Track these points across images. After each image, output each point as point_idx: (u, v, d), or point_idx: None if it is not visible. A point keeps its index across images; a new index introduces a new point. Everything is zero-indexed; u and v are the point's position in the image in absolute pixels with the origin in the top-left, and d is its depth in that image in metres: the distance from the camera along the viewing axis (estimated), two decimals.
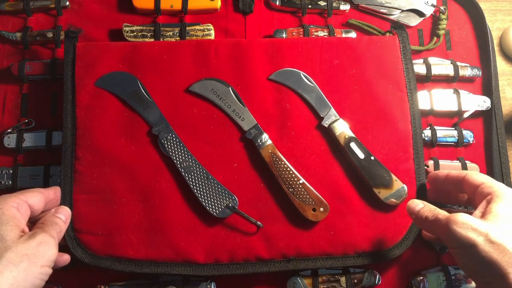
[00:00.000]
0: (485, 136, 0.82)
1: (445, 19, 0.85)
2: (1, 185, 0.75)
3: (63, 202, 0.69)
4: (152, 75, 0.74)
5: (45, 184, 0.75)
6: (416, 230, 0.71)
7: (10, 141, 0.76)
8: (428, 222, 0.62)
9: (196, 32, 0.81)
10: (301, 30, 0.82)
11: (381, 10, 0.85)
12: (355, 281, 0.72)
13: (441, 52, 0.85)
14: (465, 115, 0.80)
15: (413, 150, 0.74)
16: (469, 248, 0.55)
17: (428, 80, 0.82)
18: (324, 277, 0.72)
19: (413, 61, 0.78)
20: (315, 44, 0.77)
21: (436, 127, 0.80)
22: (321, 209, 0.70)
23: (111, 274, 0.71)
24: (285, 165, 0.70)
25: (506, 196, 0.59)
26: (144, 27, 0.81)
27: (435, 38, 0.85)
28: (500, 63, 0.90)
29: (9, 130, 0.77)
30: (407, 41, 0.78)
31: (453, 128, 0.80)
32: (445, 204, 0.73)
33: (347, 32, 0.83)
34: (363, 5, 0.85)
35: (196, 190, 0.69)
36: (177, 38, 0.81)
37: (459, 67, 0.82)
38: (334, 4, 0.85)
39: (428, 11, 0.86)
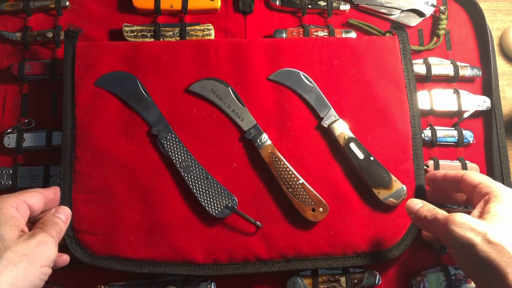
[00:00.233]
0: (485, 136, 0.82)
1: (445, 19, 0.85)
2: (1, 185, 0.75)
3: (63, 201, 0.69)
4: (152, 75, 0.74)
5: (45, 184, 0.75)
6: (416, 230, 0.71)
7: (10, 141, 0.76)
8: (426, 222, 0.62)
9: (196, 32, 0.81)
10: (301, 30, 0.82)
11: (381, 10, 0.85)
12: (355, 281, 0.72)
13: (441, 52, 0.85)
14: (465, 115, 0.80)
15: (412, 150, 0.74)
16: (467, 248, 0.55)
17: (428, 80, 0.82)
18: (324, 277, 0.72)
19: (413, 61, 0.78)
20: (315, 44, 0.77)
21: (436, 127, 0.80)
22: (321, 209, 0.70)
23: (110, 274, 0.71)
24: (285, 165, 0.70)
25: (504, 195, 0.59)
26: (144, 27, 0.81)
27: (435, 38, 0.85)
28: (500, 63, 0.90)
29: (9, 130, 0.77)
30: (407, 41, 0.78)
31: (453, 128, 0.80)
32: (444, 204, 0.73)
33: (347, 32, 0.83)
34: (363, 5, 0.85)
35: (196, 190, 0.69)
36: (177, 38, 0.81)
37: (459, 67, 0.82)
38: (334, 4, 0.85)
39: (428, 11, 0.86)
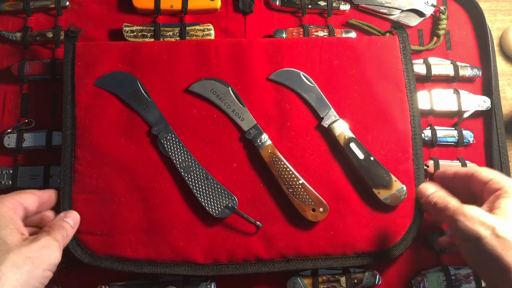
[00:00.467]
0: (485, 136, 0.82)
1: (445, 19, 0.85)
2: (1, 185, 0.75)
3: (63, 202, 0.69)
4: (152, 75, 0.74)
5: (45, 184, 0.75)
6: (416, 230, 0.71)
7: (10, 141, 0.76)
8: (436, 208, 0.62)
9: (196, 32, 0.81)
10: (301, 30, 0.82)
11: (381, 10, 0.85)
12: (355, 281, 0.72)
13: (441, 52, 0.85)
14: (465, 115, 0.80)
15: (412, 150, 0.74)
16: (474, 241, 0.55)
17: (428, 80, 0.82)
18: (324, 277, 0.72)
19: (413, 61, 0.78)
20: (315, 44, 0.77)
21: (436, 127, 0.80)
22: (321, 209, 0.70)
23: (111, 274, 0.71)
24: (285, 165, 0.70)
25: None
26: (144, 27, 0.81)
27: (435, 38, 0.85)
28: (500, 63, 0.90)
29: (9, 130, 0.77)
30: (407, 41, 0.78)
31: (453, 128, 0.80)
32: None
33: (347, 32, 0.83)
34: (363, 5, 0.85)
35: (196, 190, 0.69)
36: (177, 38, 0.81)
37: (459, 67, 0.82)
38: (334, 4, 0.85)
39: (428, 11, 0.86)
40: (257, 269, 0.70)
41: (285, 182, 0.70)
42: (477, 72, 0.83)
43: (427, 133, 0.79)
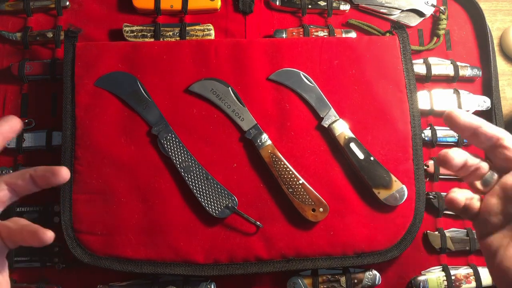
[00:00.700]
0: None
1: (445, 19, 0.85)
2: None
3: (63, 202, 0.69)
4: (152, 75, 0.74)
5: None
6: (416, 230, 0.71)
7: (10, 141, 0.76)
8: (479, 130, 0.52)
9: (196, 32, 0.81)
10: (301, 30, 0.82)
11: (381, 10, 0.85)
12: (355, 281, 0.72)
13: (441, 52, 0.85)
14: None
15: (412, 150, 0.73)
16: None
17: (428, 80, 0.82)
18: (324, 277, 0.72)
19: (413, 61, 0.78)
20: (315, 44, 0.77)
21: (436, 127, 0.80)
22: (321, 209, 0.70)
23: (111, 274, 0.71)
24: (285, 165, 0.70)
25: None
26: (144, 27, 0.81)
27: (435, 38, 0.85)
28: (500, 63, 0.90)
29: None
30: (407, 41, 0.78)
31: None
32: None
33: (347, 32, 0.83)
34: (363, 5, 0.85)
35: (196, 190, 0.69)
36: (177, 38, 0.81)
37: (459, 67, 0.82)
38: (334, 4, 0.85)
39: (428, 11, 0.86)
40: (257, 269, 0.70)
41: (285, 182, 0.70)
42: (477, 72, 0.83)
43: (427, 133, 0.79)
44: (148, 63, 0.75)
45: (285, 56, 0.76)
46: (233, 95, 0.74)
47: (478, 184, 0.54)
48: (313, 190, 0.70)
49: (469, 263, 0.76)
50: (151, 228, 0.69)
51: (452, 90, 0.82)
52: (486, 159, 0.55)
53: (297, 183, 0.70)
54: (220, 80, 0.74)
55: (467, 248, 0.75)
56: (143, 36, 0.80)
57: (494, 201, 0.52)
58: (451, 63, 0.83)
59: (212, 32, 0.81)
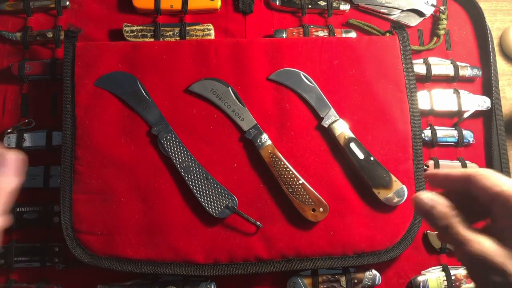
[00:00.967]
0: (485, 136, 0.82)
1: (445, 19, 0.85)
2: None
3: (63, 202, 0.69)
4: (152, 75, 0.74)
5: (45, 184, 0.75)
6: (416, 230, 0.71)
7: (10, 141, 0.76)
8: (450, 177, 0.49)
9: (196, 32, 0.81)
10: (301, 30, 0.82)
11: (381, 10, 0.85)
12: (355, 281, 0.72)
13: (441, 52, 0.85)
14: (465, 115, 0.80)
15: (412, 150, 0.73)
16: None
17: (428, 80, 0.82)
18: (324, 277, 0.72)
19: (413, 61, 0.78)
20: (315, 44, 0.77)
21: (436, 127, 0.80)
22: (321, 209, 0.70)
23: (111, 274, 0.71)
24: (285, 165, 0.70)
25: None
26: (144, 27, 0.81)
27: (435, 38, 0.85)
28: (500, 63, 0.90)
29: (9, 130, 0.77)
30: (407, 41, 0.78)
31: (453, 128, 0.80)
32: None
33: (347, 32, 0.83)
34: (363, 5, 0.85)
35: (196, 190, 0.69)
36: (177, 38, 0.81)
37: (459, 67, 0.82)
38: (334, 4, 0.85)
39: (428, 11, 0.86)
40: (257, 269, 0.70)
41: (285, 182, 0.70)
42: (477, 72, 0.83)
43: (427, 133, 0.79)
44: (148, 63, 0.75)
45: (285, 56, 0.76)
46: (233, 95, 0.73)
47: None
48: (313, 190, 0.70)
49: None
50: (151, 228, 0.69)
51: (452, 90, 0.82)
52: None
53: (297, 183, 0.70)
54: (220, 80, 0.74)
55: None
56: (143, 36, 0.80)
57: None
58: (451, 63, 0.83)
59: (212, 32, 0.81)
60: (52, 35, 0.80)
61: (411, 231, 0.71)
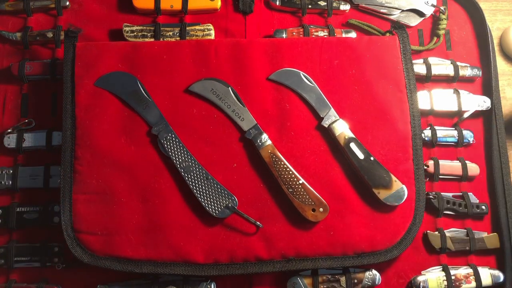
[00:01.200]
0: (485, 136, 0.82)
1: (445, 19, 0.85)
2: (1, 185, 0.75)
3: (63, 202, 0.69)
4: (152, 75, 0.74)
5: (45, 184, 0.75)
6: (416, 230, 0.71)
7: (10, 141, 0.76)
8: None
9: (196, 32, 0.81)
10: (301, 30, 0.82)
11: (381, 10, 0.85)
12: (355, 281, 0.72)
13: (441, 52, 0.85)
14: (465, 115, 0.80)
15: (412, 150, 0.73)
16: None
17: (428, 80, 0.82)
18: (324, 277, 0.72)
19: (413, 61, 0.78)
20: (315, 44, 0.77)
21: (436, 127, 0.80)
22: (321, 209, 0.70)
23: (111, 274, 0.71)
24: (285, 165, 0.70)
25: None
26: (144, 27, 0.81)
27: (435, 38, 0.85)
28: (500, 63, 0.90)
29: (9, 130, 0.77)
30: (407, 41, 0.78)
31: (453, 128, 0.80)
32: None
33: (347, 32, 0.83)
34: (363, 5, 0.85)
35: (196, 190, 0.69)
36: (177, 38, 0.81)
37: (459, 67, 0.82)
38: (334, 4, 0.85)
39: (428, 11, 0.86)
40: (257, 269, 0.70)
41: (285, 182, 0.70)
42: (477, 72, 0.83)
43: (427, 133, 0.79)
44: (148, 63, 0.75)
45: (285, 56, 0.76)
46: (233, 95, 0.73)
47: None
48: (313, 190, 0.70)
49: (469, 263, 0.76)
50: (151, 228, 0.69)
51: (452, 90, 0.82)
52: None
53: (297, 183, 0.70)
54: (220, 80, 0.74)
55: (467, 248, 0.75)
56: (143, 36, 0.80)
57: None
58: (451, 63, 0.83)
59: (212, 32, 0.81)
60: (52, 35, 0.80)
61: (411, 231, 0.71)
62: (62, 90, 0.74)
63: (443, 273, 0.74)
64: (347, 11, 0.86)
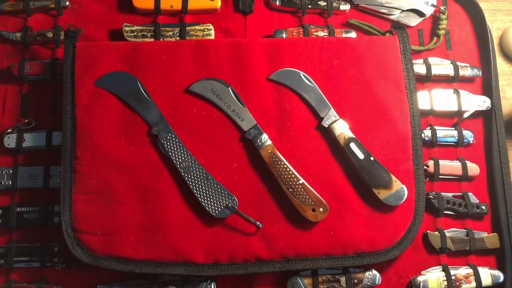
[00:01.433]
0: (485, 136, 0.82)
1: (445, 19, 0.85)
2: (1, 185, 0.75)
3: (63, 202, 0.69)
4: (152, 75, 0.74)
5: (45, 184, 0.75)
6: (415, 230, 0.71)
7: (10, 141, 0.76)
8: None
9: (196, 32, 0.81)
10: (301, 30, 0.82)
11: (381, 10, 0.85)
12: (355, 281, 0.72)
13: (441, 52, 0.85)
14: (465, 115, 0.80)
15: (412, 150, 0.73)
16: None
17: (428, 80, 0.82)
18: (324, 277, 0.72)
19: (413, 61, 0.78)
20: (315, 44, 0.77)
21: (436, 127, 0.80)
22: (321, 209, 0.70)
23: (111, 274, 0.71)
24: (285, 165, 0.70)
25: None
26: (144, 27, 0.81)
27: (435, 38, 0.85)
28: (500, 63, 0.90)
29: (9, 130, 0.77)
30: (407, 41, 0.78)
31: (453, 128, 0.80)
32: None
33: (347, 32, 0.83)
34: (363, 5, 0.85)
35: (196, 190, 0.69)
36: (177, 38, 0.81)
37: (459, 67, 0.82)
38: (334, 4, 0.85)
39: (428, 11, 0.86)
40: (257, 269, 0.70)
41: (285, 182, 0.70)
42: (477, 72, 0.83)
43: (427, 133, 0.79)
44: (148, 63, 0.75)
45: (285, 56, 0.76)
46: (233, 95, 0.73)
47: None
48: (313, 190, 0.70)
49: (469, 263, 0.76)
50: (151, 228, 0.69)
51: (452, 90, 0.82)
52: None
53: (297, 183, 0.70)
54: (220, 80, 0.74)
55: (467, 248, 0.75)
56: (143, 36, 0.80)
57: None
58: (451, 63, 0.83)
59: (212, 32, 0.81)
60: (52, 35, 0.80)
61: (411, 231, 0.71)
62: (62, 90, 0.74)
63: (443, 273, 0.74)
64: (347, 11, 0.86)
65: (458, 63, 0.83)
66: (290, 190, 0.70)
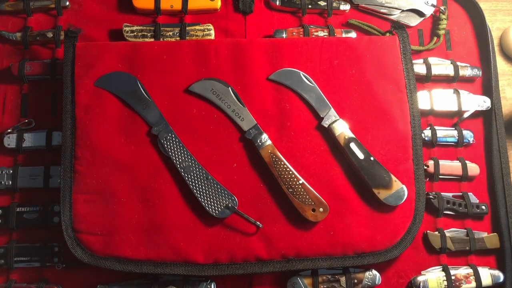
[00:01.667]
0: (485, 136, 0.82)
1: (445, 19, 0.85)
2: (1, 185, 0.75)
3: (63, 202, 0.69)
4: (152, 75, 0.74)
5: (45, 184, 0.75)
6: (415, 230, 0.71)
7: (10, 141, 0.76)
8: None
9: (196, 32, 0.81)
10: (301, 30, 0.82)
11: (381, 10, 0.85)
12: (355, 281, 0.72)
13: (441, 52, 0.85)
14: (465, 115, 0.80)
15: (412, 150, 0.73)
16: None
17: (428, 80, 0.82)
18: (324, 277, 0.72)
19: (413, 61, 0.78)
20: (315, 44, 0.77)
21: (436, 127, 0.80)
22: (321, 209, 0.70)
23: (111, 274, 0.71)
24: (285, 165, 0.70)
25: None
26: (144, 27, 0.81)
27: (435, 38, 0.85)
28: (500, 63, 0.90)
29: (9, 130, 0.77)
30: (407, 41, 0.78)
31: (453, 128, 0.80)
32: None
33: (347, 32, 0.83)
34: (363, 5, 0.85)
35: (196, 190, 0.69)
36: (177, 38, 0.81)
37: (459, 67, 0.82)
38: (334, 4, 0.85)
39: (428, 11, 0.86)
40: (257, 269, 0.70)
41: (285, 182, 0.70)
42: (477, 72, 0.83)
43: (427, 133, 0.79)
44: (148, 63, 0.75)
45: (285, 56, 0.76)
46: (233, 95, 0.73)
47: None
48: (313, 190, 0.70)
49: (469, 263, 0.76)
50: (151, 228, 0.69)
51: (452, 90, 0.82)
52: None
53: (297, 183, 0.70)
54: (220, 80, 0.74)
55: (467, 248, 0.75)
56: (143, 36, 0.80)
57: None
58: (451, 63, 0.83)
59: (212, 32, 0.81)
60: (52, 35, 0.80)
61: (411, 231, 0.71)
62: (62, 90, 0.74)
63: (443, 273, 0.74)
64: (347, 11, 0.86)
65: (458, 63, 0.83)
66: (290, 190, 0.70)
